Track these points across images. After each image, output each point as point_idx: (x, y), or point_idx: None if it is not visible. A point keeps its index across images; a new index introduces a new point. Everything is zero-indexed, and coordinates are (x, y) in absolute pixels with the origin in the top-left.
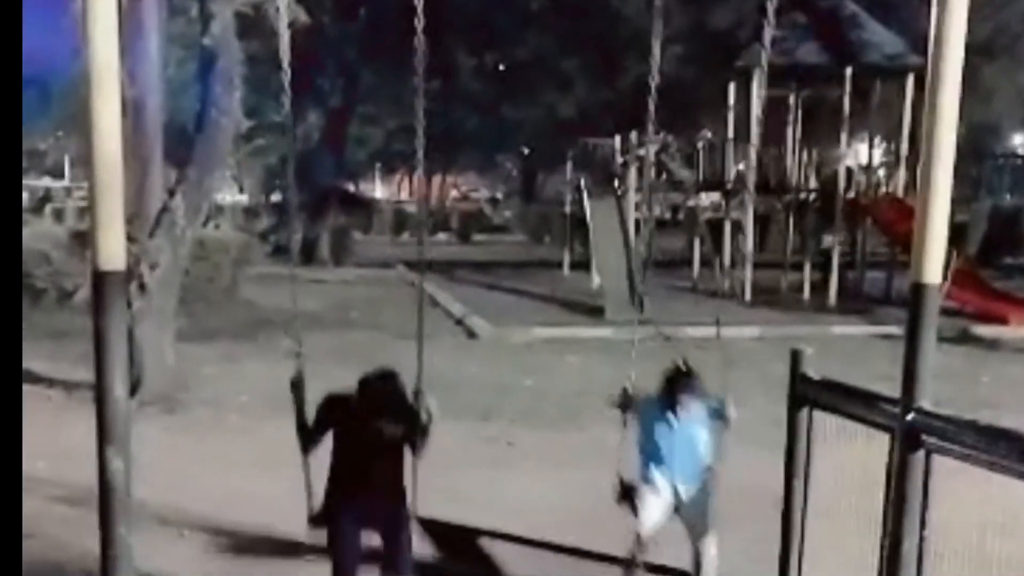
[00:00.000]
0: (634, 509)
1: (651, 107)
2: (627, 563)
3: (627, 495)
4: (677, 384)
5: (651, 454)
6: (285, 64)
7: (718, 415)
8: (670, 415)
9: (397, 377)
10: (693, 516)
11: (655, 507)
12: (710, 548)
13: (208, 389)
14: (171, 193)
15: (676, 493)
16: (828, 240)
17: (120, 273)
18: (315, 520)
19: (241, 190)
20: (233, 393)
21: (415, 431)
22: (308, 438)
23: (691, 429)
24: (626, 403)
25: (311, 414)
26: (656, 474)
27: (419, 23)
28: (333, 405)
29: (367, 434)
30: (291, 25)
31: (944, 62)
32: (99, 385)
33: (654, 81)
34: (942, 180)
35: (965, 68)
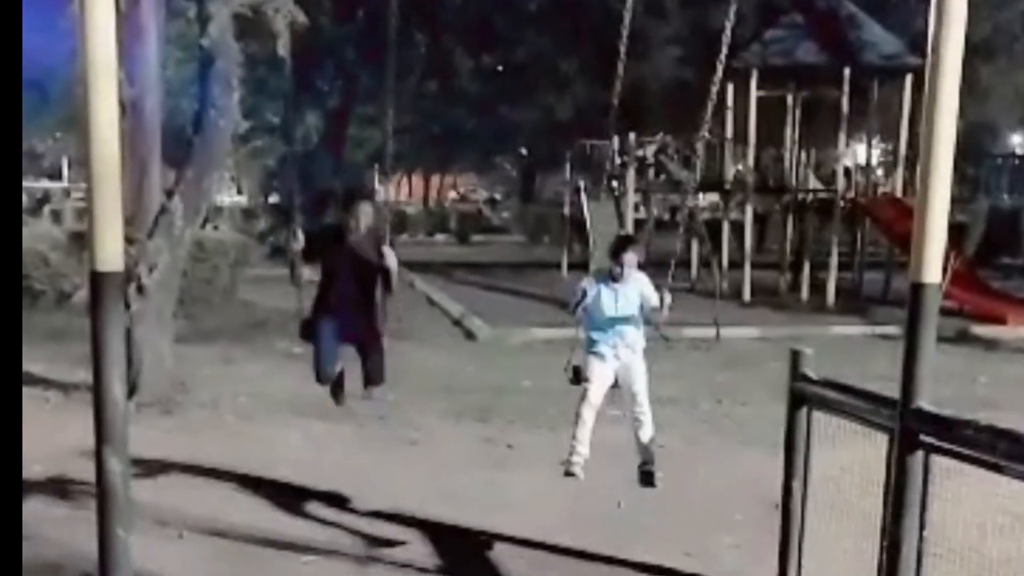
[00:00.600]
0: (586, 381)
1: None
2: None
3: (578, 376)
4: (621, 247)
5: (595, 320)
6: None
7: (651, 300)
8: (613, 281)
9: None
10: (631, 380)
11: (600, 373)
12: (646, 415)
13: (206, 390)
14: (169, 194)
15: (617, 356)
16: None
17: (118, 274)
18: (304, 331)
19: (239, 191)
20: (231, 394)
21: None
22: (297, 268)
23: (629, 292)
24: (581, 296)
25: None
26: (600, 342)
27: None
28: (323, 234)
29: (346, 259)
30: (289, 26)
31: (943, 62)
32: (97, 386)
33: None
34: (941, 180)
35: (963, 68)
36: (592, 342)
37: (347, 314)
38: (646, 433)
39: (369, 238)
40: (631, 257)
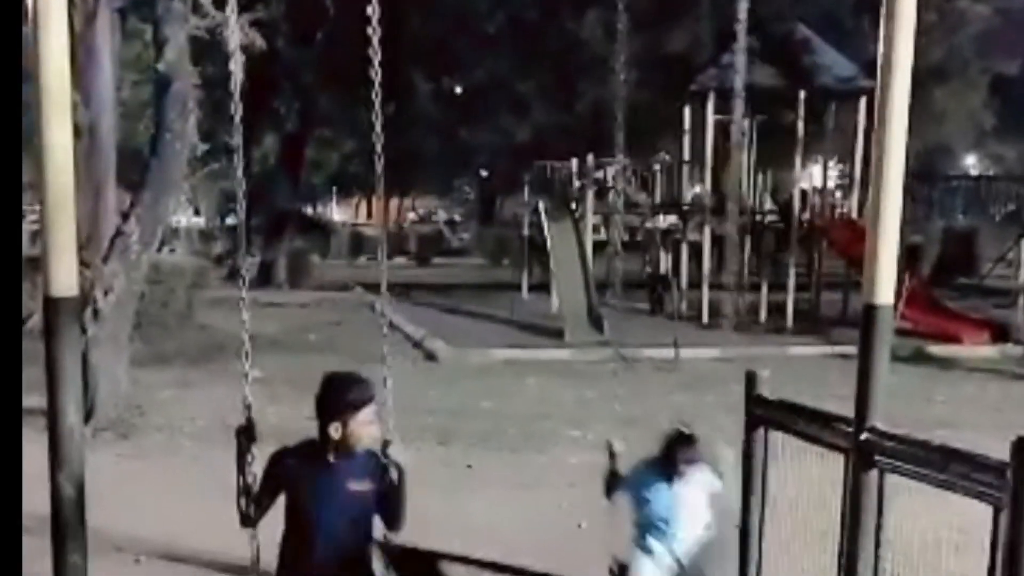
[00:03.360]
0: None
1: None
2: None
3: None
4: (678, 449)
5: (649, 523)
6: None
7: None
8: (669, 481)
9: (369, 391)
10: None
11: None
12: None
13: (162, 414)
14: (125, 217)
15: (679, 563)
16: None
17: (73, 299)
18: None
19: (197, 213)
20: (188, 418)
21: (385, 483)
22: (253, 503)
23: (691, 493)
24: (611, 483)
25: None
26: (655, 544)
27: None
28: (284, 457)
29: (326, 482)
30: (247, 50)
31: (892, 85)
32: (52, 412)
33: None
34: (892, 202)
35: (917, 91)
36: (646, 543)
37: (328, 564)
38: None
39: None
40: (688, 466)
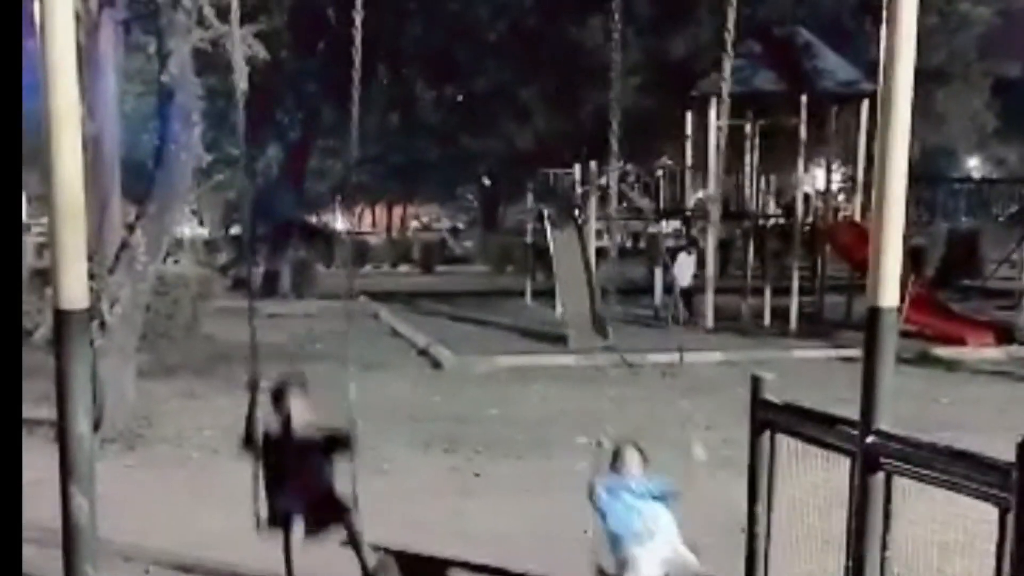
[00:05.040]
0: None
1: None
2: None
3: None
4: (624, 458)
5: (626, 532)
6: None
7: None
8: (630, 487)
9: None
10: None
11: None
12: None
13: (170, 425)
14: (131, 229)
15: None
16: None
17: (83, 312)
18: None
19: (201, 224)
20: (195, 428)
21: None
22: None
23: (652, 493)
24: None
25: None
26: (637, 551)
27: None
28: (268, 427)
29: (289, 447)
30: (250, 61)
31: (895, 88)
32: (62, 424)
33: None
34: (896, 205)
35: (919, 93)
36: (627, 554)
37: (305, 503)
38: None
39: (312, 431)
40: (636, 468)
